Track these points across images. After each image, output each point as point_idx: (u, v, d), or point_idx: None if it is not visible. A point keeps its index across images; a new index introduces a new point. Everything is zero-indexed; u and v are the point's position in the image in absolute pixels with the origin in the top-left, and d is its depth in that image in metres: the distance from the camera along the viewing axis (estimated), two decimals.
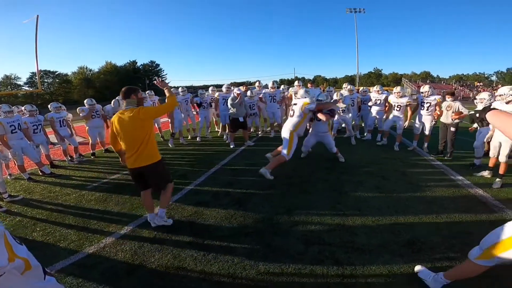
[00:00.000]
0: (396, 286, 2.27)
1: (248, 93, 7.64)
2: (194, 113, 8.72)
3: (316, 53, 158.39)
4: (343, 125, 7.69)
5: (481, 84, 49.47)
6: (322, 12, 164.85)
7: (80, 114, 6.82)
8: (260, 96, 8.26)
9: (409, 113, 6.53)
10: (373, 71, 74.35)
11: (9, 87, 43.59)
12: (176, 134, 7.84)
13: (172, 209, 3.73)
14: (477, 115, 1.68)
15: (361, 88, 8.70)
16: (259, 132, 8.90)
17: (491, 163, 4.61)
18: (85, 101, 6.98)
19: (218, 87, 10.09)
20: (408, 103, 6.46)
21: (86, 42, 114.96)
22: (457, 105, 5.47)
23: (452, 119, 5.45)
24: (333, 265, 2.53)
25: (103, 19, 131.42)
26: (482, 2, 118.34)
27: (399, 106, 6.51)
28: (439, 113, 5.75)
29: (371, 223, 3.26)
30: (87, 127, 7.03)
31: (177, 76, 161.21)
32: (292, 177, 4.76)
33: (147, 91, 8.18)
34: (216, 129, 9.58)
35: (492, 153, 4.54)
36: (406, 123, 6.51)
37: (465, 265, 2.02)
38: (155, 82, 3.26)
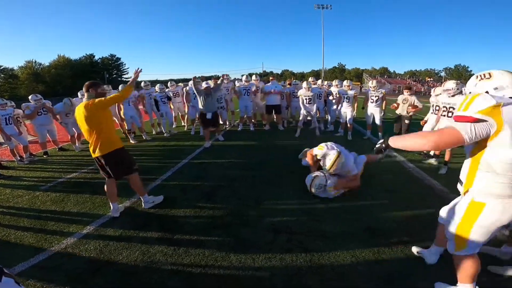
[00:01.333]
0: (359, 270, 2.41)
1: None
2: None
3: (284, 48, 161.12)
4: (309, 118, 7.92)
5: (431, 79, 53.89)
6: (291, 7, 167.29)
7: (25, 111, 6.27)
8: (232, 88, 8.43)
9: (356, 104, 7.39)
10: (337, 66, 77.32)
11: None
12: (137, 130, 7.52)
13: (139, 204, 3.63)
14: (382, 144, 1.87)
15: (326, 82, 9.12)
16: (226, 126, 8.89)
17: (437, 151, 5.08)
18: (29, 97, 6.45)
19: (186, 81, 9.89)
20: (355, 94, 7.05)
21: (35, 35, 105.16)
22: (413, 99, 5.91)
23: (407, 112, 5.89)
24: (301, 252, 2.62)
25: (55, 11, 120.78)
26: (433, 3, 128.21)
27: (348, 98, 7.01)
28: (396, 105, 6.17)
29: (335, 211, 3.40)
30: (33, 125, 6.52)
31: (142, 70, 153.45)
32: (260, 170, 4.83)
33: (104, 86, 7.62)
34: (183, 124, 9.36)
35: None
36: (355, 113, 7.23)
37: (456, 263, 1.96)
38: (135, 72, 3.64)
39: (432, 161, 5.09)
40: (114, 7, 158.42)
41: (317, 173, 3.85)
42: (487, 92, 1.61)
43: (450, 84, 4.50)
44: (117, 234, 3.00)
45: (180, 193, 3.95)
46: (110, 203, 3.39)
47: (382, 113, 6.75)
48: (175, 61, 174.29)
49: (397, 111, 6.19)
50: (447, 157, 4.65)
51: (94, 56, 55.99)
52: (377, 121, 6.74)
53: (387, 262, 2.48)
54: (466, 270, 1.90)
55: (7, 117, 5.82)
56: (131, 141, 7.27)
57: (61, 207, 3.70)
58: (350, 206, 3.49)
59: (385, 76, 53.46)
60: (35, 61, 48.09)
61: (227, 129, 8.70)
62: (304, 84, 7.44)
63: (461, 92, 4.42)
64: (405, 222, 2.98)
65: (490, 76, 1.65)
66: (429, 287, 2.17)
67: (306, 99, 7.35)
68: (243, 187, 4.14)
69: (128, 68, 61.91)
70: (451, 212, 1.93)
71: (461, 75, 61.09)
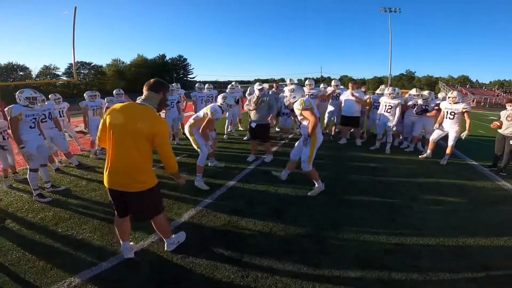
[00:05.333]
0: None
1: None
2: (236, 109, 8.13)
3: (345, 52, 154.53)
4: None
5: None
6: (353, 11, 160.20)
7: (107, 104, 6.54)
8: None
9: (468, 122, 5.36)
10: (405, 73, 70.85)
11: (48, 76, 45.75)
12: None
13: (203, 215, 3.36)
14: None
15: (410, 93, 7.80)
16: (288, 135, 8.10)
17: None
18: (114, 91, 6.68)
19: (243, 83, 9.68)
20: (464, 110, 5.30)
21: (119, 35, 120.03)
22: None
23: None
24: None
25: (135, 13, 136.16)
26: None
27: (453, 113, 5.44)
28: (498, 124, 5.04)
29: (435, 244, 2.84)
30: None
31: (203, 70, 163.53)
32: (332, 187, 4.23)
33: (173, 84, 7.73)
34: (240, 128, 9.05)
35: None
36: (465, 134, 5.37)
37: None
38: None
39: None
40: (184, 8, 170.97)
41: None
42: None
43: None
44: (186, 243, 2.78)
45: (246, 206, 3.60)
46: (121, 242, 2.54)
47: (463, 135, 5.35)
48: (232, 63, 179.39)
49: (500, 130, 5.04)
50: None
51: (165, 56, 60.30)
52: (450, 141, 5.46)
53: None
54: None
55: (95, 108, 6.09)
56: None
57: None
58: (455, 240, 2.91)
59: (467, 86, 46.92)
60: (119, 60, 54.30)
61: (290, 137, 7.87)
62: (387, 90, 6.43)
63: None
64: None
65: None
66: None
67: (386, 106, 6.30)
68: (316, 206, 3.64)
69: (193, 68, 65.83)
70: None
71: None
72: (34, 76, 45.08)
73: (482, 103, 33.93)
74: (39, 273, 2.37)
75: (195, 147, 4.30)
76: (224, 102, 4.33)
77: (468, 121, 5.27)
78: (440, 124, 5.58)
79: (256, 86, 5.53)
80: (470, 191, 4.26)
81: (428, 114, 5.99)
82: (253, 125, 5.34)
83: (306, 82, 7.54)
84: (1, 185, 4.46)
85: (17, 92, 3.92)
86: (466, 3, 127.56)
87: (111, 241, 2.82)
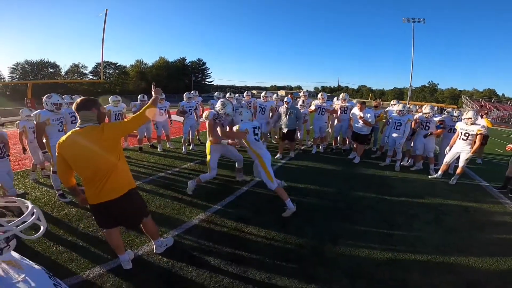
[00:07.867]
0: None
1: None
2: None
3: (363, 62, 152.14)
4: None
5: None
6: (374, 20, 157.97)
7: (132, 109, 7.10)
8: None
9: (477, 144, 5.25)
10: (428, 85, 68.96)
11: (76, 74, 47.65)
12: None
13: (212, 221, 3.62)
14: None
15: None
16: (301, 147, 8.16)
17: None
18: (138, 97, 7.17)
19: (260, 89, 9.86)
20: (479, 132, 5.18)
21: (144, 37, 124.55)
22: None
23: None
24: None
25: (161, 16, 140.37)
26: None
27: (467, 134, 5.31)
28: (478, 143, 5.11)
29: (426, 260, 3.00)
30: None
31: (221, 75, 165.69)
32: (337, 201, 4.42)
33: (192, 91, 7.80)
34: None
35: None
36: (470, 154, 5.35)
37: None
38: (153, 88, 2.61)
39: None
40: (206, 14, 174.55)
41: None
42: None
43: None
44: (195, 245, 3.09)
45: (253, 214, 3.82)
46: (119, 255, 2.64)
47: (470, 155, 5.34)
48: (249, 69, 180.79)
49: None
50: None
51: (185, 60, 61.02)
52: (460, 163, 5.46)
53: None
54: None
55: (117, 113, 6.61)
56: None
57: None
58: (447, 258, 3.07)
59: (492, 100, 45.09)
60: (142, 61, 55.93)
61: (302, 149, 7.98)
62: (396, 107, 6.39)
63: None
64: None
65: None
66: None
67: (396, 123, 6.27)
68: (319, 218, 3.83)
69: (211, 72, 66.36)
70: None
71: None
72: (63, 73, 47.16)
73: (506, 119, 32.65)
74: (61, 265, 2.70)
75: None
76: (222, 109, 4.18)
77: (477, 144, 5.16)
78: (452, 145, 5.58)
79: (286, 99, 6.79)
80: (475, 212, 4.33)
81: (434, 132, 5.98)
82: (285, 130, 6.67)
83: (319, 95, 7.48)
84: (29, 179, 4.91)
85: (45, 97, 4.03)
86: (493, 13, 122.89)
87: (127, 239, 3.13)
